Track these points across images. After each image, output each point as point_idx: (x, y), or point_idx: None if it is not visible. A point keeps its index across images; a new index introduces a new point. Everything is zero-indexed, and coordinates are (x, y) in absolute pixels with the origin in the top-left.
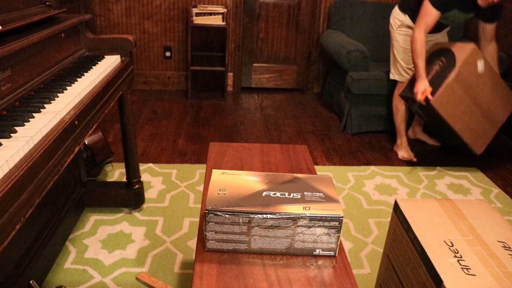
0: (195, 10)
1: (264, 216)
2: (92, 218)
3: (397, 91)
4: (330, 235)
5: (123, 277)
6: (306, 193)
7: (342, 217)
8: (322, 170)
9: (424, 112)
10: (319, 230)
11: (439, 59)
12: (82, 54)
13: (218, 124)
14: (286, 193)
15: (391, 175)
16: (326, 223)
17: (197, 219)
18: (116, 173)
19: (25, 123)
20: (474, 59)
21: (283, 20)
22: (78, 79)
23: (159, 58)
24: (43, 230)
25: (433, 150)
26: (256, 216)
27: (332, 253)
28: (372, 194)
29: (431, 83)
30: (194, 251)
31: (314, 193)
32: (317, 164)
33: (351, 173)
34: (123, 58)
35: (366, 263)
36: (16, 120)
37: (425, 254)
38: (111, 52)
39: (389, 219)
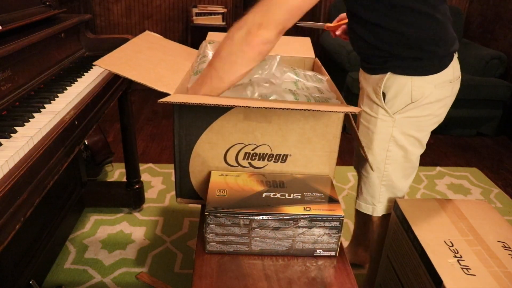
0: (195, 10)
1: (265, 217)
2: (92, 218)
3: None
4: (330, 235)
5: (123, 277)
6: (306, 193)
7: (343, 217)
8: None
9: None
10: (319, 231)
11: None
12: (82, 54)
13: None
14: (286, 194)
15: None
16: (326, 224)
17: (197, 219)
18: (116, 173)
19: (25, 123)
20: None
21: None
22: (78, 79)
23: None
24: (43, 230)
25: (433, 150)
26: (257, 217)
27: (333, 253)
28: None
29: None
30: (194, 252)
31: (314, 194)
32: None
33: (351, 173)
34: None
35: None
36: (16, 120)
37: (425, 254)
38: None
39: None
